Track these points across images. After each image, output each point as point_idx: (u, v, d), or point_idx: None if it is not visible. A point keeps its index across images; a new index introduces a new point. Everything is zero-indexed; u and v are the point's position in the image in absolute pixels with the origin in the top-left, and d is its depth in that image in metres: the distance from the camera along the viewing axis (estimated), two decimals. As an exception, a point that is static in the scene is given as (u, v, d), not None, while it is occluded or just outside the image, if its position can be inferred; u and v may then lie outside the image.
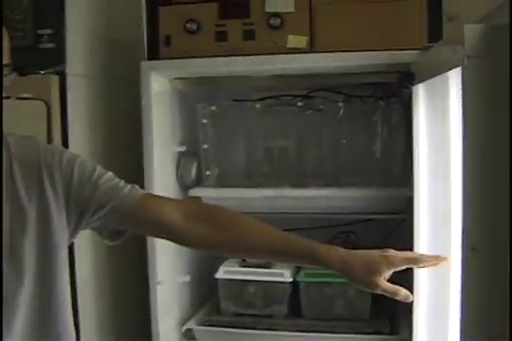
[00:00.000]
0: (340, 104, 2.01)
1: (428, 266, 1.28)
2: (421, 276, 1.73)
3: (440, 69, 1.30)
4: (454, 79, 1.21)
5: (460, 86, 1.18)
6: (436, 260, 1.27)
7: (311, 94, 2.10)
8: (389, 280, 1.23)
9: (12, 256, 1.17)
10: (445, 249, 1.48)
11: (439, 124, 1.45)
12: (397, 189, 1.95)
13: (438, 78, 1.38)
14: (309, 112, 2.03)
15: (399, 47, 1.77)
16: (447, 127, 1.31)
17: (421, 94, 1.66)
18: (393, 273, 1.24)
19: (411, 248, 1.76)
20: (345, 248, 2.06)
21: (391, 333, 1.97)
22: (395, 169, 2.01)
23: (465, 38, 1.09)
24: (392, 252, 1.27)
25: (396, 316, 2.05)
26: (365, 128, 2.02)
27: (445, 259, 1.26)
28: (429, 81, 1.53)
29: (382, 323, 2.00)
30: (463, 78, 1.09)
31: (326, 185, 2.02)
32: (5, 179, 1.20)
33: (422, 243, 1.72)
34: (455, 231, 1.24)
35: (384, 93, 2.08)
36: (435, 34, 1.77)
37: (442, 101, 1.37)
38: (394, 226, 2.13)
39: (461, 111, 1.10)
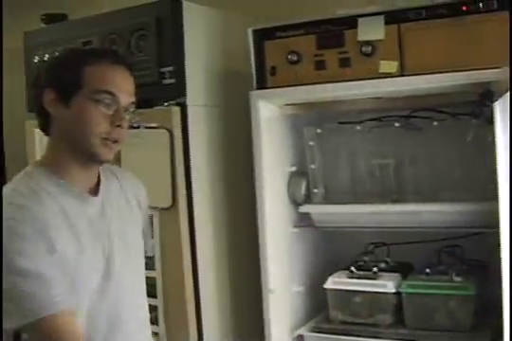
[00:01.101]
0: (436, 123, 2.10)
1: None
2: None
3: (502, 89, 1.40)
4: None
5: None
6: None
7: (412, 114, 2.21)
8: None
9: (124, 237, 1.52)
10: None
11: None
12: (494, 204, 2.01)
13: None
14: (407, 131, 2.14)
15: (484, 67, 1.85)
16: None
17: (498, 110, 1.74)
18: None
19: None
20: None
21: (492, 345, 2.02)
22: (492, 183, 2.06)
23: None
24: None
25: (499, 330, 2.08)
26: (460, 145, 2.09)
27: None
28: (502, 99, 1.61)
29: (483, 335, 2.04)
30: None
31: (425, 200, 2.12)
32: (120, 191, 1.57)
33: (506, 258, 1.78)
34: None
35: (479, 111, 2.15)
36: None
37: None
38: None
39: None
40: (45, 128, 1.45)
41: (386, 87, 2.01)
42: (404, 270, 2.27)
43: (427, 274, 2.15)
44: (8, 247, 1.25)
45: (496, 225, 2.03)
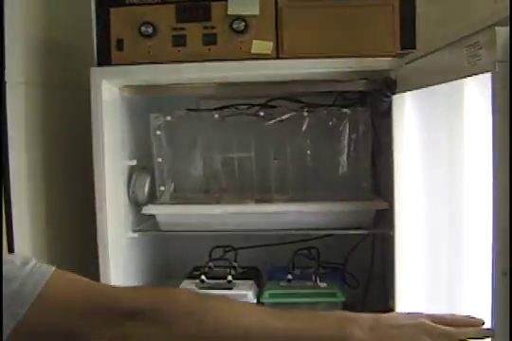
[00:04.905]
0: (305, 114, 1.90)
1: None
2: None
3: (447, 76, 1.20)
4: (470, 85, 1.12)
5: (477, 94, 1.10)
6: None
7: (270, 103, 1.99)
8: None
9: None
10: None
11: (438, 135, 1.35)
12: (367, 203, 1.86)
13: (440, 86, 1.28)
14: (270, 122, 1.91)
15: (370, 54, 1.69)
16: (454, 138, 1.21)
17: (408, 103, 1.56)
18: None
19: (391, 263, 1.68)
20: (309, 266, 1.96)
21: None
22: (363, 182, 1.92)
23: (497, 41, 0.99)
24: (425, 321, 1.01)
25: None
26: (330, 139, 1.92)
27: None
28: (422, 90, 1.42)
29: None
30: (494, 84, 1.00)
31: (291, 199, 1.91)
32: None
33: (404, 259, 1.63)
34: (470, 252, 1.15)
35: (346, 102, 2.00)
36: (408, 41, 1.70)
37: (447, 111, 1.27)
38: (358, 242, 2.05)
39: (490, 120, 1.01)
40: None
41: (258, 70, 1.74)
42: (254, 276, 2.04)
43: (288, 280, 1.94)
44: None
45: (361, 227, 1.90)
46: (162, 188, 1.96)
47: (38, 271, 0.88)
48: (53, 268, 0.90)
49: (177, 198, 1.97)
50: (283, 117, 1.90)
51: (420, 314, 1.04)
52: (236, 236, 2.04)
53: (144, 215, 1.93)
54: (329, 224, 1.88)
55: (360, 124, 1.89)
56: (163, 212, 1.92)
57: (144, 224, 1.98)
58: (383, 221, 1.87)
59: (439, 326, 0.99)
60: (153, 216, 1.93)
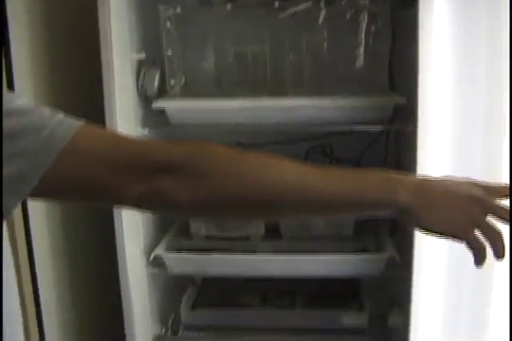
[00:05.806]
0: (321, 5, 1.80)
1: None
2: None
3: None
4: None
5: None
6: None
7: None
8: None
9: None
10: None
11: (475, 24, 1.27)
12: (385, 98, 1.80)
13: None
14: (286, 13, 1.82)
15: None
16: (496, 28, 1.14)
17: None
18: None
19: (411, 161, 1.64)
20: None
21: (376, 251, 1.87)
22: (381, 76, 1.86)
23: None
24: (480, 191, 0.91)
25: (380, 233, 1.94)
26: (348, 32, 1.83)
27: None
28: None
29: (367, 241, 1.89)
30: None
31: (306, 94, 1.84)
32: None
33: (427, 156, 1.59)
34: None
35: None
36: None
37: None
38: (373, 139, 2.00)
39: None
40: None
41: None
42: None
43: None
44: None
45: (377, 122, 1.84)
46: (172, 82, 1.88)
47: (68, 121, 0.82)
48: (83, 121, 0.84)
49: (189, 92, 1.90)
50: (299, 9, 1.81)
51: (474, 182, 0.93)
52: (248, 133, 1.99)
53: (154, 112, 1.85)
54: (345, 119, 1.82)
55: (379, 16, 1.80)
56: (174, 106, 1.83)
57: (154, 120, 1.91)
58: (399, 117, 1.82)
59: (496, 202, 0.90)
60: (163, 113, 1.85)
